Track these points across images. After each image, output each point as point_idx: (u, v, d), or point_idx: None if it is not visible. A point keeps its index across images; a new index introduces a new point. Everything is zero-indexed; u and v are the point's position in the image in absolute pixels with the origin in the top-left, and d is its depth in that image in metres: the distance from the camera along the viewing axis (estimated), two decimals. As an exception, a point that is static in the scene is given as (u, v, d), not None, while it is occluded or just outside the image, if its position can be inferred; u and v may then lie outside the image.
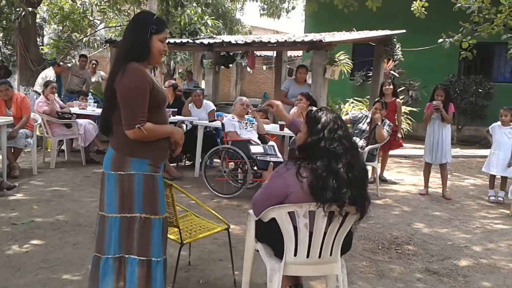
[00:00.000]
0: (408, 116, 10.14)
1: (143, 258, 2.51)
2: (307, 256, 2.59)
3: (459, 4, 7.70)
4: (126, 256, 2.51)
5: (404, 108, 10.20)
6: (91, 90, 9.31)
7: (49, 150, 7.34)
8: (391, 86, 6.99)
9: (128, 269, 2.52)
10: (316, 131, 2.57)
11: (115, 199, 2.50)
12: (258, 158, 5.42)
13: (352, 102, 10.30)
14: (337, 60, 7.97)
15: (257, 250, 2.89)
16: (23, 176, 6.21)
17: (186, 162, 7.48)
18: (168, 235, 2.84)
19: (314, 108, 2.85)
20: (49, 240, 4.01)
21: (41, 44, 13.67)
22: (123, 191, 2.49)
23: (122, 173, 2.49)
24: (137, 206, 2.50)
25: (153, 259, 2.54)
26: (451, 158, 6.38)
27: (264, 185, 2.75)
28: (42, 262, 3.54)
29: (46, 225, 4.39)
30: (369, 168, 6.63)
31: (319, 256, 2.60)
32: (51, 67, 9.19)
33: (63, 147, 7.71)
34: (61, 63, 9.53)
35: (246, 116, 6.13)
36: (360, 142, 6.08)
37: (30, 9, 9.18)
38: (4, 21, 11.15)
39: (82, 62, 9.78)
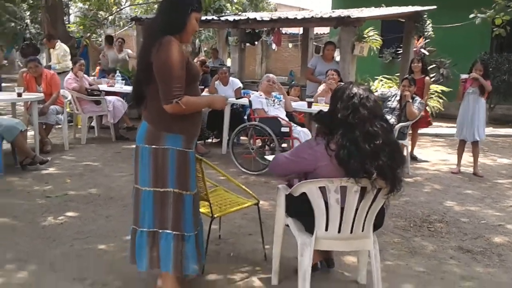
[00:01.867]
0: (440, 95, 9.90)
1: (177, 233, 2.56)
2: (339, 231, 2.59)
3: (492, -21, 7.42)
4: (160, 231, 2.56)
5: (435, 87, 9.98)
6: (118, 68, 9.38)
7: (79, 126, 7.47)
8: (420, 64, 6.84)
9: (163, 244, 2.56)
10: (333, 103, 2.60)
11: (149, 173, 2.53)
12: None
13: (381, 80, 10.10)
14: (365, 36, 7.80)
15: (287, 225, 2.89)
16: (55, 151, 6.34)
17: (214, 139, 7.51)
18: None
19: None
20: (82, 212, 4.11)
21: (67, 22, 13.81)
22: (157, 165, 2.51)
23: (156, 147, 2.50)
24: (171, 181, 2.53)
25: (185, 233, 2.58)
26: (485, 136, 6.22)
27: (291, 151, 2.77)
28: (76, 234, 3.63)
29: (79, 198, 4.49)
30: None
31: (351, 232, 2.59)
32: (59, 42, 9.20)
33: (93, 123, 7.83)
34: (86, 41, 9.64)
35: (273, 93, 6.09)
36: (391, 119, 5.98)
37: (56, -14, 9.26)
38: (32, -1, 11.29)
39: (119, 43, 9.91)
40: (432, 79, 10.30)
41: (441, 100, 9.85)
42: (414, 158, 6.84)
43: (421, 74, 6.82)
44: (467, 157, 6.36)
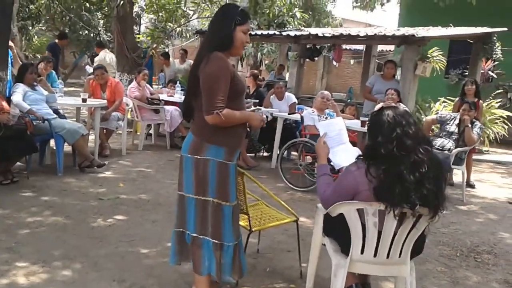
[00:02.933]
0: (505, 120, 9.42)
1: (216, 242, 2.63)
2: (375, 255, 2.53)
3: None
4: (201, 237, 2.64)
5: (501, 112, 9.52)
6: (180, 79, 9.70)
7: (138, 133, 7.78)
8: (474, 86, 6.60)
9: (205, 249, 2.65)
10: (372, 136, 2.51)
11: (192, 181, 2.63)
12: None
13: (444, 101, 9.77)
14: (429, 56, 7.61)
15: (324, 244, 2.86)
16: (113, 156, 6.64)
17: (264, 153, 7.56)
18: (238, 221, 2.92)
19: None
20: (131, 216, 4.27)
21: (138, 32, 14.45)
22: (198, 174, 2.61)
23: (198, 157, 2.59)
24: (211, 191, 2.61)
25: (224, 243, 2.65)
26: None
27: (335, 184, 2.69)
28: (122, 236, 3.78)
29: (129, 202, 4.67)
30: (457, 172, 6.30)
31: (387, 257, 2.53)
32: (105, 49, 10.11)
33: (151, 131, 8.13)
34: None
35: (326, 111, 6.06)
36: (448, 144, 5.77)
37: (128, -2, 9.72)
38: (105, 8, 11.90)
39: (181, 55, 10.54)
40: (498, 103, 9.84)
41: (506, 126, 9.36)
42: (471, 186, 6.55)
43: (474, 97, 6.55)
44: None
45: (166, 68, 10.67)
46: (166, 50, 15.02)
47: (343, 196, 2.53)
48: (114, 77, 8.50)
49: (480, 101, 6.66)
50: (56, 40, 10.71)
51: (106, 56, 10.04)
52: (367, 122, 2.65)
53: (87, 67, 10.59)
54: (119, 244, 3.62)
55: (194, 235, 2.67)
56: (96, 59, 10.06)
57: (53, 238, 3.63)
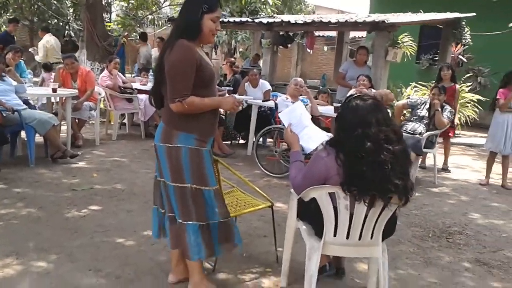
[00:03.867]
0: (476, 104, 9.65)
1: (202, 223, 2.64)
2: (347, 237, 2.59)
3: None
4: (185, 222, 2.64)
5: (471, 96, 9.74)
6: (153, 67, 9.60)
7: (111, 123, 7.69)
8: (450, 71, 6.72)
9: (190, 235, 2.64)
10: (338, 129, 2.57)
11: (167, 169, 2.63)
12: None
13: (415, 86, 9.94)
14: (400, 42, 7.71)
15: (299, 228, 2.91)
16: (86, 146, 6.55)
17: (240, 140, 7.58)
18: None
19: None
20: (105, 206, 4.24)
21: (108, 20, 14.19)
22: (172, 162, 2.60)
23: (170, 145, 2.59)
24: (187, 177, 2.60)
25: (210, 222, 2.66)
26: None
27: (305, 170, 2.72)
28: (97, 227, 3.75)
29: (103, 192, 4.63)
30: (429, 155, 6.44)
31: (359, 238, 2.59)
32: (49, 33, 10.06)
33: (125, 120, 8.05)
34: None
35: (300, 97, 6.09)
36: (420, 128, 5.89)
37: (97, -15, 9.55)
38: (75, -4, 11.69)
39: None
40: (469, 87, 10.06)
41: (477, 110, 9.60)
42: (445, 169, 6.72)
43: (451, 82, 6.69)
44: (496, 168, 6.19)
45: (142, 48, 10.49)
46: (137, 39, 14.82)
47: (314, 182, 2.57)
48: (58, 63, 8.61)
49: (456, 86, 6.79)
50: (7, 29, 10.46)
51: (49, 40, 9.93)
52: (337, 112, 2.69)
53: (36, 56, 10.39)
54: (94, 234, 3.60)
55: (179, 221, 2.66)
56: (39, 43, 9.90)
57: (26, 230, 3.59)
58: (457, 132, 9.38)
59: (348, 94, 6.71)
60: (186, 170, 2.59)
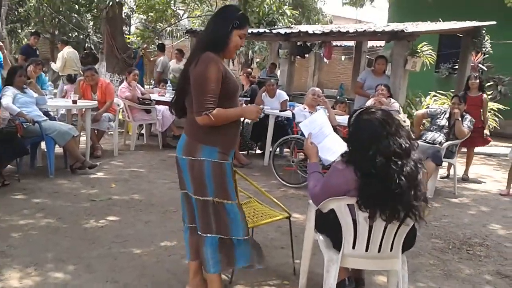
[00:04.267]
0: (496, 113, 9.49)
1: (223, 237, 2.62)
2: (366, 250, 2.54)
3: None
4: (204, 235, 2.63)
5: (492, 104, 9.58)
6: (171, 78, 9.68)
7: (129, 134, 7.75)
8: (478, 80, 6.63)
9: (208, 248, 2.63)
10: (350, 145, 2.55)
11: (190, 182, 2.62)
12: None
13: (434, 95, 9.83)
14: (419, 51, 7.65)
15: (317, 240, 2.87)
16: (105, 157, 6.61)
17: (257, 150, 7.57)
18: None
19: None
20: (123, 217, 4.26)
21: (128, 33, 14.41)
22: (194, 175, 2.59)
23: (193, 158, 2.57)
24: (210, 191, 2.59)
25: (233, 237, 2.64)
26: None
27: (323, 182, 2.68)
28: (115, 237, 3.76)
29: (122, 202, 4.66)
30: (446, 164, 6.34)
31: (379, 251, 2.54)
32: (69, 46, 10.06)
33: (143, 131, 8.11)
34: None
35: (317, 107, 6.06)
36: (439, 137, 5.81)
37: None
38: (95, 10, 11.88)
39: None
40: (489, 96, 9.90)
41: (497, 119, 9.43)
42: (465, 179, 6.60)
43: (478, 91, 6.61)
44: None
45: (159, 58, 10.56)
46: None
47: (332, 193, 2.54)
48: (76, 74, 8.79)
49: (484, 95, 6.69)
50: (29, 42, 10.59)
51: (69, 52, 9.94)
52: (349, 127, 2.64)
53: (51, 63, 10.51)
54: (111, 245, 3.61)
55: (199, 233, 2.66)
56: (59, 54, 10.00)
57: (45, 241, 3.62)
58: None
59: (367, 104, 6.67)
60: (208, 184, 2.58)
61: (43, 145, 5.72)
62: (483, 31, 8.73)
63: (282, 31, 9.39)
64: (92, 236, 3.77)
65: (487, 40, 8.87)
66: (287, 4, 14.03)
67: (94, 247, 3.55)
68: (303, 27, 10.65)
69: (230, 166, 2.66)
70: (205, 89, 2.47)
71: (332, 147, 3.19)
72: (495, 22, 8.74)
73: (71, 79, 8.63)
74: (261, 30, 10.00)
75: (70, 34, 15.17)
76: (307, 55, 10.81)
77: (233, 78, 2.65)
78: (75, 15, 14.49)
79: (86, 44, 14.28)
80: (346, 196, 2.50)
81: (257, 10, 11.29)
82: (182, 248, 3.53)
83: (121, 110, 7.32)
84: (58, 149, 5.64)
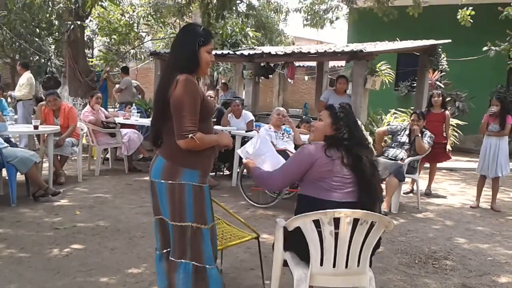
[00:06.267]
0: (455, 128, 9.83)
1: (197, 264, 2.58)
2: (334, 266, 2.58)
3: (506, 13, 7.46)
4: (178, 261, 2.59)
5: (451, 120, 9.92)
6: (136, 101, 9.61)
7: (94, 158, 7.62)
8: (440, 98, 6.85)
9: (180, 274, 2.59)
10: (346, 125, 2.82)
11: (167, 207, 2.58)
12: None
13: (395, 113, 10.13)
14: (378, 70, 7.88)
15: (286, 260, 2.89)
16: (69, 183, 6.46)
17: (225, 171, 7.57)
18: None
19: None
20: (88, 244, 4.16)
21: (91, 56, 14.24)
22: (174, 200, 2.55)
23: (173, 182, 2.54)
24: (189, 215, 2.55)
25: (206, 266, 2.61)
26: (509, 171, 6.17)
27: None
28: (80, 266, 3.67)
29: (86, 230, 4.56)
30: (409, 180, 6.50)
31: (346, 266, 2.58)
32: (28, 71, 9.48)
33: (108, 155, 7.99)
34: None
35: (282, 127, 6.15)
36: (401, 154, 5.97)
37: (78, 22, 9.61)
38: (56, 33, 11.70)
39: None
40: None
41: (456, 134, 9.77)
42: (428, 194, 6.78)
43: (441, 108, 6.84)
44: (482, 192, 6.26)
45: (124, 78, 10.42)
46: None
47: (295, 169, 2.80)
48: (31, 98, 8.56)
49: (447, 112, 6.91)
50: None
51: (31, 77, 9.38)
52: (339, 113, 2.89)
53: (11, 93, 9.92)
54: (77, 274, 3.52)
55: (172, 258, 2.62)
56: (22, 79, 9.18)
57: (8, 272, 3.50)
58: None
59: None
60: (188, 208, 2.55)
61: (4, 172, 5.55)
62: (439, 49, 9.07)
63: (246, 52, 9.50)
64: (56, 265, 3.67)
65: (443, 58, 9.21)
66: (249, 26, 14.24)
67: (59, 277, 3.46)
68: (266, 48, 10.82)
69: (208, 189, 2.65)
70: (186, 112, 2.44)
71: (269, 162, 3.25)
72: (450, 40, 9.11)
73: (39, 100, 8.40)
74: (225, 51, 10.09)
75: (31, 58, 14.85)
76: (271, 76, 10.95)
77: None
78: (36, 39, 14.21)
79: (48, 68, 13.98)
80: (311, 169, 2.73)
81: (220, 32, 11.40)
82: (149, 275, 3.49)
83: (84, 134, 7.20)
84: (20, 177, 5.48)
